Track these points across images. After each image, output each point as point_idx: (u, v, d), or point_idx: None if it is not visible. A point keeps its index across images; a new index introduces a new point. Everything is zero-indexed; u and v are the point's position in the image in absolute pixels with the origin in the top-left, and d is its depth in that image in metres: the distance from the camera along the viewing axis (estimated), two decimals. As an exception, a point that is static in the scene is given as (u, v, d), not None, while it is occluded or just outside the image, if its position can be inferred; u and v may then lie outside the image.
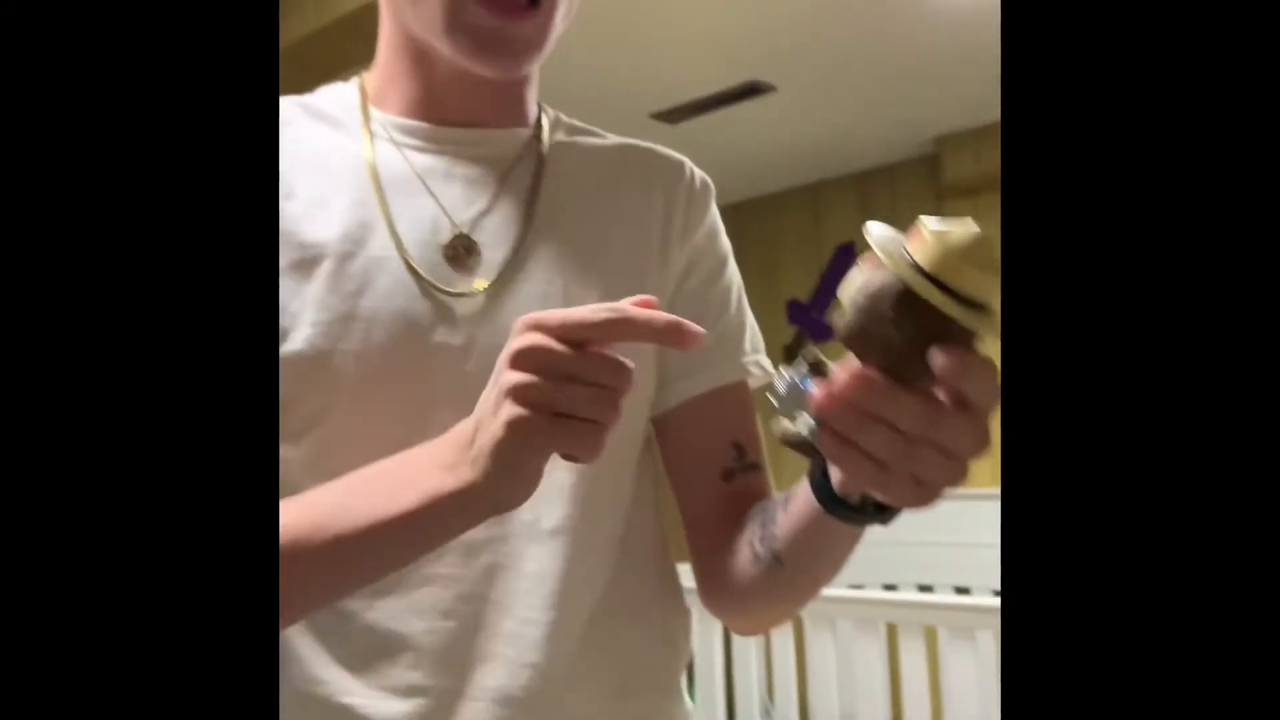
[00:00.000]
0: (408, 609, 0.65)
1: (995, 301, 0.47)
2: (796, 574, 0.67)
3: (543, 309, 0.59)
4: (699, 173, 0.81)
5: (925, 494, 0.49)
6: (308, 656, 0.65)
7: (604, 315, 0.50)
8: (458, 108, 0.73)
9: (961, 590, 3.24)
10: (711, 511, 0.75)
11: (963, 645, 2.15)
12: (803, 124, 3.38)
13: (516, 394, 0.50)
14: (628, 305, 0.51)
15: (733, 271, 0.81)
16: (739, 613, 0.76)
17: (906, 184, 3.67)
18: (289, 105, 0.74)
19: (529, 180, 0.74)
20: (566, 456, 0.51)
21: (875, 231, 0.50)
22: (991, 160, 3.35)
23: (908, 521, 0.60)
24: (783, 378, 0.54)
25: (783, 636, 2.44)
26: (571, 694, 0.67)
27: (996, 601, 2.47)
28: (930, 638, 2.26)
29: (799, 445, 0.53)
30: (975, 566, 3.21)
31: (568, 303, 0.67)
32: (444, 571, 0.65)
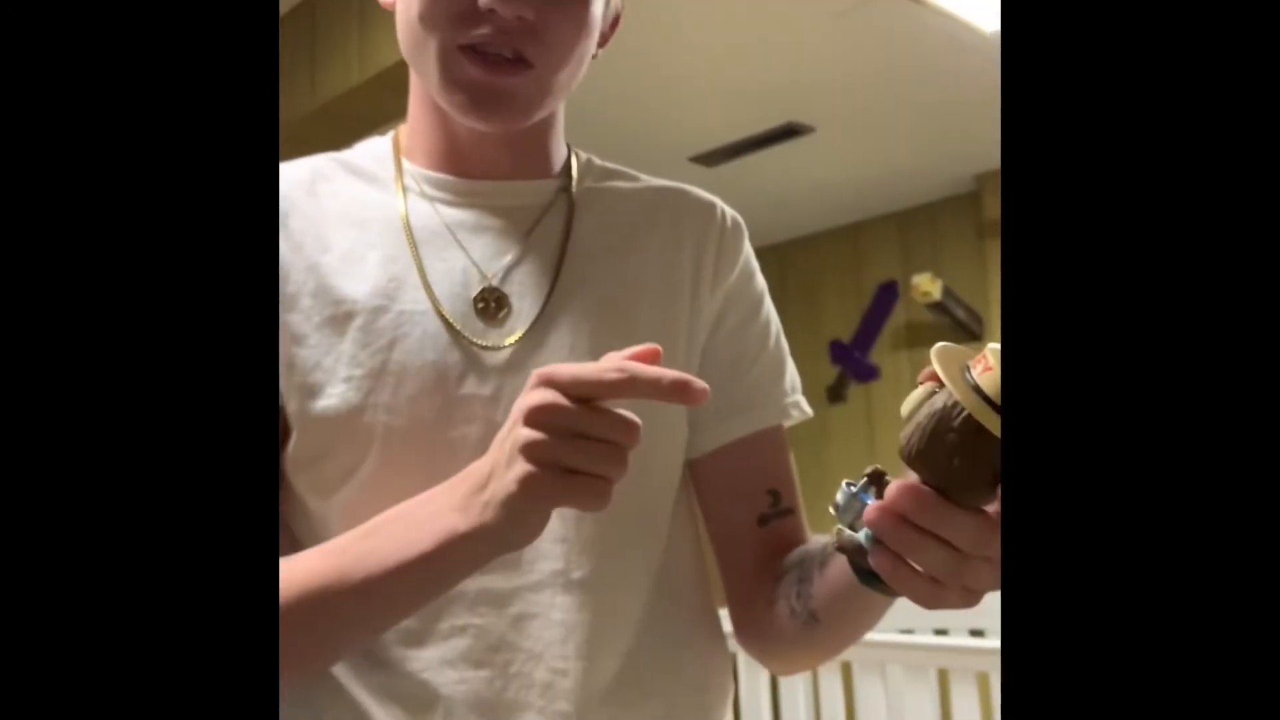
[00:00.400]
0: (440, 660, 0.65)
1: None
2: (832, 632, 0.69)
3: (571, 360, 0.64)
4: (730, 213, 0.81)
5: (973, 599, 0.52)
6: (361, 704, 0.66)
7: (613, 375, 0.52)
8: (479, 160, 0.74)
9: (976, 633, 3.17)
10: (746, 556, 0.75)
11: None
12: (842, 164, 3.38)
13: (529, 450, 0.52)
14: (637, 364, 0.53)
15: (769, 311, 0.80)
16: (775, 658, 0.77)
17: (948, 222, 3.65)
18: (327, 161, 0.75)
19: (558, 230, 0.74)
20: (575, 505, 0.53)
21: (941, 352, 0.51)
22: (1034, 197, 3.33)
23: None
24: (843, 490, 0.54)
25: (831, 681, 2.39)
26: None
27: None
28: (983, 684, 2.21)
29: (854, 552, 0.54)
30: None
31: (595, 354, 0.64)
32: (476, 622, 0.66)
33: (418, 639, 0.66)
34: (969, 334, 3.49)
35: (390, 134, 0.78)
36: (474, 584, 0.65)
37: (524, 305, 0.70)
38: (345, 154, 0.77)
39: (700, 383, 0.52)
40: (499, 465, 0.54)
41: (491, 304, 0.70)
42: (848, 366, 4.05)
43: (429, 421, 0.66)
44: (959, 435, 0.48)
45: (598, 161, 0.82)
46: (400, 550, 0.57)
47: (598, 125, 2.90)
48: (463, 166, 0.73)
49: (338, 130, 2.51)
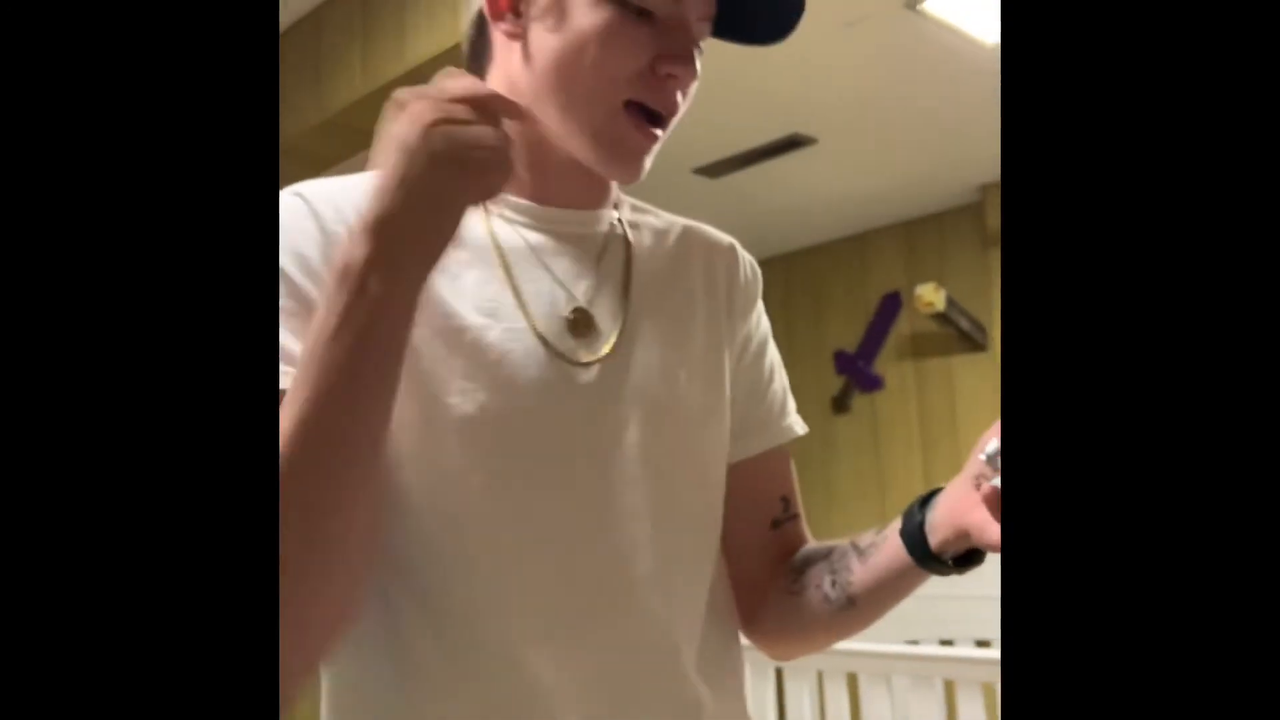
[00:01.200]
0: (552, 659, 0.70)
1: None
2: (865, 612, 0.78)
3: (648, 376, 0.76)
4: (748, 255, 0.90)
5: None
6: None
7: (481, 93, 0.60)
8: (561, 192, 0.79)
9: (982, 644, 3.16)
10: (761, 556, 0.85)
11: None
12: (846, 175, 3.39)
13: (430, 132, 0.58)
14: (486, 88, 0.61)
15: (773, 344, 0.91)
16: (794, 642, 0.86)
17: (952, 232, 3.65)
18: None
19: (621, 257, 0.82)
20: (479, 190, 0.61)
21: None
22: (1038, 207, 3.33)
23: (966, 576, 0.74)
24: (993, 444, 0.69)
25: (837, 692, 2.39)
26: None
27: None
28: (989, 694, 2.20)
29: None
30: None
31: (666, 370, 0.78)
32: (575, 622, 0.71)
33: (525, 639, 0.69)
34: (973, 344, 3.49)
35: None
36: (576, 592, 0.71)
37: (605, 325, 0.77)
38: None
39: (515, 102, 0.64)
40: (401, 170, 0.58)
41: (580, 324, 0.76)
42: (852, 376, 4.05)
43: (533, 430, 0.72)
44: None
45: (622, 194, 0.88)
46: (346, 311, 0.59)
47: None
48: (544, 195, 0.79)
49: (342, 143, 2.52)
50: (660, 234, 0.86)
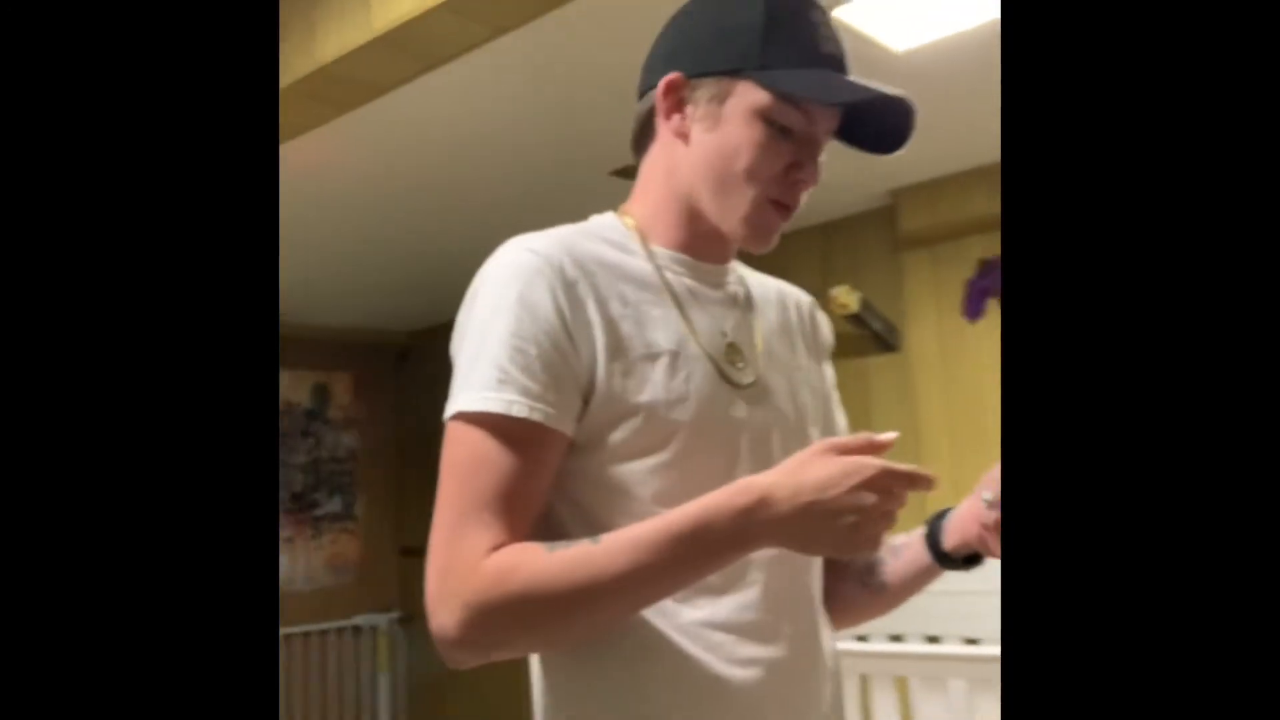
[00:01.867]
0: (736, 607, 0.94)
1: None
2: (894, 598, 1.09)
3: (782, 396, 1.03)
4: (816, 305, 1.20)
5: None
6: (680, 642, 0.92)
7: (914, 479, 0.82)
8: (707, 250, 1.03)
9: (971, 641, 3.24)
10: None
11: (985, 695, 2.14)
12: (762, 178, 3.42)
13: (867, 528, 0.81)
14: (918, 472, 0.82)
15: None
16: (836, 618, 1.10)
17: (866, 235, 3.73)
18: (583, 235, 0.99)
19: (745, 302, 1.07)
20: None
21: None
22: (946, 211, 3.41)
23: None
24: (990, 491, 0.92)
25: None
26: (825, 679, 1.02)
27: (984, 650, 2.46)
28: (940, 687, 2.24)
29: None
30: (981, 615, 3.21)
31: (793, 393, 1.05)
32: (755, 577, 0.96)
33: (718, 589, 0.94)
34: (886, 345, 3.57)
35: (612, 215, 1.05)
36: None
37: (749, 354, 1.02)
38: (585, 227, 1.02)
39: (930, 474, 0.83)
40: (827, 528, 0.81)
41: (735, 355, 1.01)
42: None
43: (710, 428, 0.95)
44: None
45: None
46: (703, 555, 0.84)
47: (526, 141, 2.90)
48: (695, 252, 1.03)
49: (337, 92, 2.35)
50: (763, 286, 1.13)
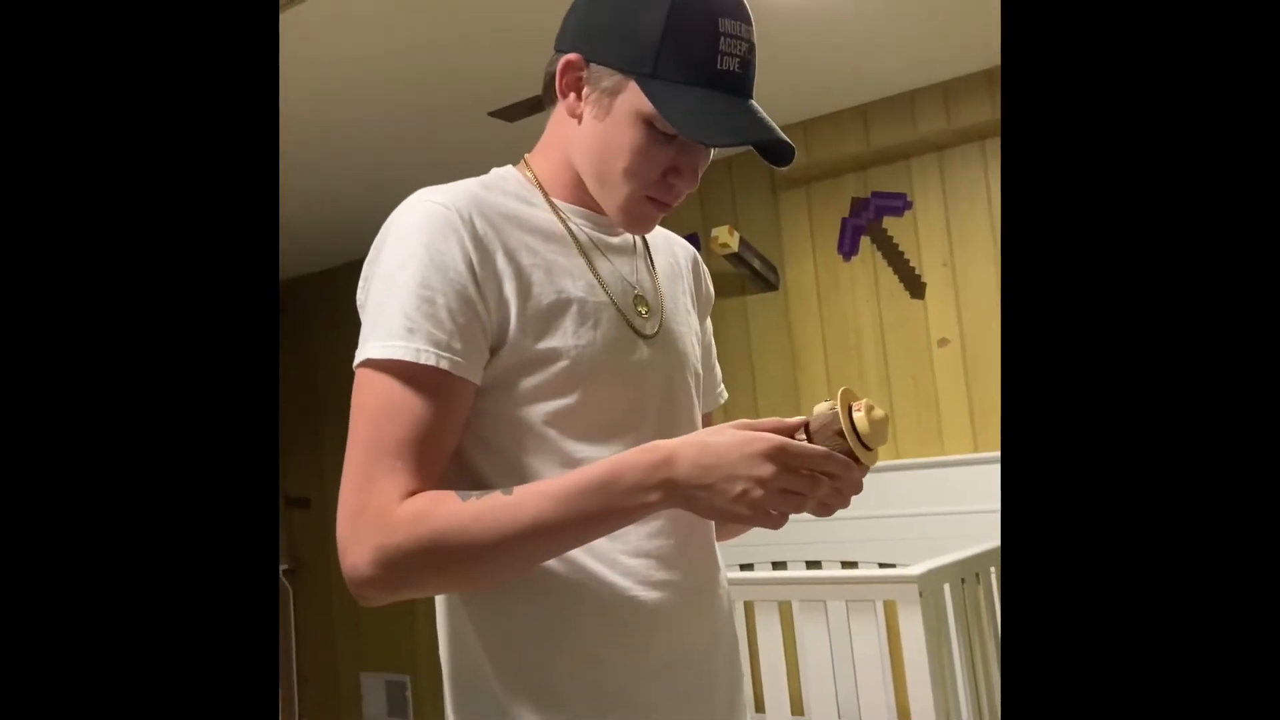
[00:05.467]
0: (645, 536, 1.00)
1: (878, 446, 0.90)
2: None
3: (682, 346, 1.09)
4: (695, 251, 1.24)
5: (827, 512, 0.91)
6: (596, 568, 0.97)
7: (834, 469, 0.86)
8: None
9: (849, 564, 3.38)
10: None
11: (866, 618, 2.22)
12: (641, 119, 3.42)
13: (757, 505, 0.84)
14: (836, 455, 0.86)
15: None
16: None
17: (742, 175, 3.78)
18: (487, 188, 1.01)
19: (644, 254, 1.12)
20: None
21: (844, 394, 0.90)
22: (820, 151, 3.49)
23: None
24: (819, 407, 0.92)
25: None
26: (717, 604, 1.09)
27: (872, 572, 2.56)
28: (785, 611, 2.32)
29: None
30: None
31: (691, 346, 1.11)
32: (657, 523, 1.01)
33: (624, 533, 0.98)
34: (765, 283, 3.65)
35: (513, 168, 1.07)
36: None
37: (653, 301, 1.07)
38: (488, 179, 1.04)
39: (863, 466, 0.89)
40: (722, 491, 0.84)
41: (641, 304, 1.05)
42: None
43: (617, 372, 1.00)
44: (835, 434, 0.89)
45: None
46: (604, 505, 0.86)
47: (397, 81, 2.83)
48: (594, 206, 1.05)
49: None
50: (655, 235, 1.16)
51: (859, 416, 0.88)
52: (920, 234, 3.40)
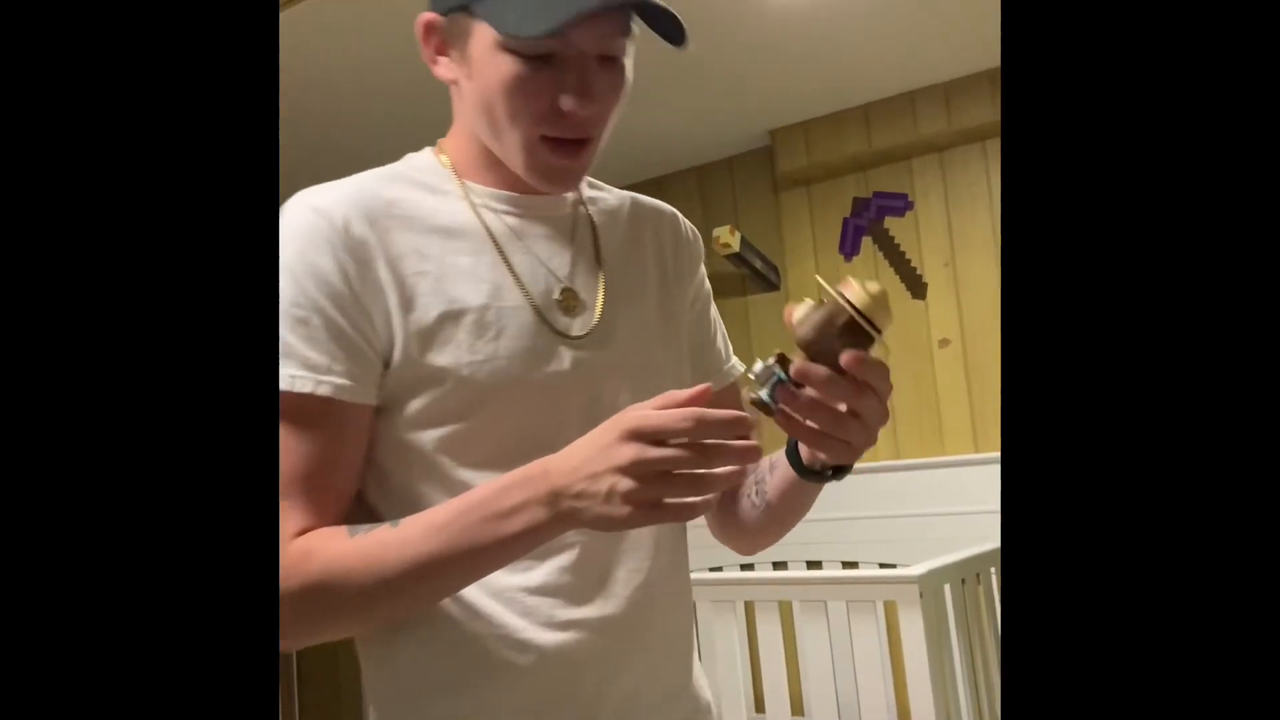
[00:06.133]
0: (554, 570, 0.86)
1: (888, 329, 0.76)
2: (780, 514, 0.97)
3: (629, 346, 0.90)
4: (686, 222, 1.06)
5: (852, 452, 0.81)
6: (490, 610, 0.85)
7: (688, 424, 0.69)
8: (529, 184, 0.89)
9: (849, 565, 3.38)
10: None
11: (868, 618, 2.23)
12: (640, 121, 3.43)
13: (628, 497, 0.69)
14: (703, 410, 0.70)
15: (712, 300, 1.08)
16: (741, 541, 1.04)
17: (744, 175, 3.78)
18: (379, 180, 0.89)
19: (589, 236, 0.95)
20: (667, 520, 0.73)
21: (822, 283, 0.78)
22: (821, 151, 3.49)
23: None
24: (759, 362, 0.79)
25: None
26: (656, 629, 0.92)
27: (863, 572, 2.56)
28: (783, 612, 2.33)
29: (762, 407, 0.79)
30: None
31: (642, 342, 0.93)
32: (573, 539, 0.86)
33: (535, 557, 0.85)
34: (767, 283, 3.65)
35: (429, 151, 0.94)
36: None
37: (588, 299, 0.91)
38: (395, 169, 0.92)
39: (748, 418, 0.71)
40: (592, 493, 0.71)
41: (569, 301, 0.90)
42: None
43: (521, 388, 0.85)
44: (841, 331, 0.75)
45: None
46: (490, 535, 0.75)
47: (397, 81, 2.84)
48: (519, 186, 0.90)
49: None
50: (614, 209, 1.00)
51: (857, 294, 0.74)
52: (921, 234, 3.40)
